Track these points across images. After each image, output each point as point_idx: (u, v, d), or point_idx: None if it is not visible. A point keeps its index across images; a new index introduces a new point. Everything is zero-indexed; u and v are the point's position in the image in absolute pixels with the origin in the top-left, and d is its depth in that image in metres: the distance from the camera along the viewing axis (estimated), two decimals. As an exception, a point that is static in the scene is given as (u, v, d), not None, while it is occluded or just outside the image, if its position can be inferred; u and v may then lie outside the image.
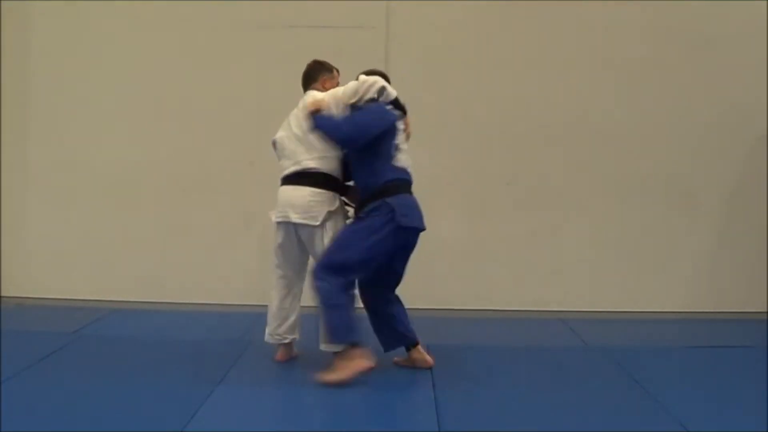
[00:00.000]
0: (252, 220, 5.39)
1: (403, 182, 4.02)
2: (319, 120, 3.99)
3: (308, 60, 4.32)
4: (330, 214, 4.03)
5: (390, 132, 4.00)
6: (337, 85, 4.28)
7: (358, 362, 3.86)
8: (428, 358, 4.20)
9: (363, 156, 4.00)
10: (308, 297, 4.19)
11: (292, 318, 4.24)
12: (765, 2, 5.53)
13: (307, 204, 4.01)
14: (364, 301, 4.17)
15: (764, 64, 5.51)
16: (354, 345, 3.89)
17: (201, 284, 5.60)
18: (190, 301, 5.55)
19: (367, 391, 3.90)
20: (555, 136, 5.61)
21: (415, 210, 4.01)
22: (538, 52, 5.60)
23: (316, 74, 4.27)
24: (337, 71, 4.32)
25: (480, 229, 5.65)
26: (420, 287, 5.49)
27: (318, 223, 3.99)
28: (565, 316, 5.47)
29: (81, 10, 5.61)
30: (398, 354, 4.28)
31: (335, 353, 3.99)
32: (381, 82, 4.06)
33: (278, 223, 4.12)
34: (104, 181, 5.63)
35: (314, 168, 4.04)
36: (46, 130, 5.66)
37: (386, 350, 4.22)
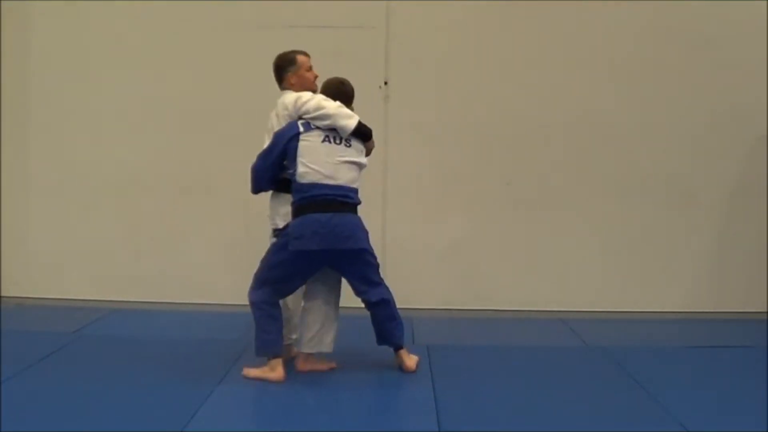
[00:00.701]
0: (252, 220, 5.38)
1: (312, 201, 3.89)
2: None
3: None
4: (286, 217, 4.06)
5: (288, 154, 3.95)
6: (308, 70, 4.15)
7: (269, 374, 3.95)
8: (408, 363, 4.14)
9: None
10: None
11: (295, 319, 4.24)
12: (765, 2, 5.52)
13: (274, 209, 4.10)
14: None
15: (764, 64, 5.51)
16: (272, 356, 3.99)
17: (201, 284, 5.60)
18: (190, 301, 5.55)
19: (367, 391, 3.91)
20: (555, 136, 5.61)
21: (318, 231, 3.86)
22: (538, 52, 5.60)
23: (281, 74, 4.16)
24: (305, 54, 4.18)
25: (480, 229, 5.64)
26: (420, 287, 5.52)
27: (281, 227, 4.04)
28: (565, 316, 5.47)
29: (81, 10, 5.61)
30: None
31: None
32: (332, 119, 3.96)
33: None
34: (104, 181, 5.63)
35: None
36: (46, 130, 5.66)
37: (378, 344, 4.23)
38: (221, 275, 5.56)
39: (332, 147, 3.97)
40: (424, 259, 5.58)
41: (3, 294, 5.66)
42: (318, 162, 3.92)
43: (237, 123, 5.49)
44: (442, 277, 5.61)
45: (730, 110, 5.58)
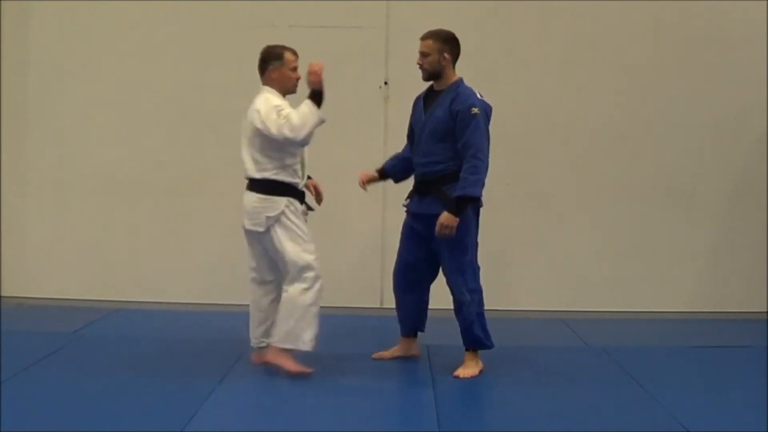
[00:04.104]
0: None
1: None
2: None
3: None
4: (269, 219, 3.93)
5: None
6: (293, 69, 4.02)
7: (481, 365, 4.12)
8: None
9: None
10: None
11: (269, 322, 4.11)
12: (765, 2, 5.52)
13: (252, 210, 3.98)
14: (416, 282, 4.41)
15: (764, 64, 5.51)
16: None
17: (201, 284, 5.60)
18: (190, 301, 5.55)
19: (367, 391, 3.91)
20: (555, 136, 5.61)
21: None
22: (538, 52, 5.59)
23: (264, 67, 4.05)
24: (293, 53, 4.04)
25: (479, 230, 5.63)
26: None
27: (263, 230, 3.94)
28: (565, 316, 5.47)
29: (81, 10, 5.61)
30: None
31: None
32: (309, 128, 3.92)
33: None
34: (104, 181, 5.62)
35: (254, 175, 3.98)
36: (46, 130, 5.65)
37: (408, 334, 4.41)
38: (221, 275, 5.56)
39: None
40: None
41: (3, 294, 5.65)
42: None
43: (237, 123, 5.46)
44: (442, 277, 5.60)
45: (730, 110, 5.58)
